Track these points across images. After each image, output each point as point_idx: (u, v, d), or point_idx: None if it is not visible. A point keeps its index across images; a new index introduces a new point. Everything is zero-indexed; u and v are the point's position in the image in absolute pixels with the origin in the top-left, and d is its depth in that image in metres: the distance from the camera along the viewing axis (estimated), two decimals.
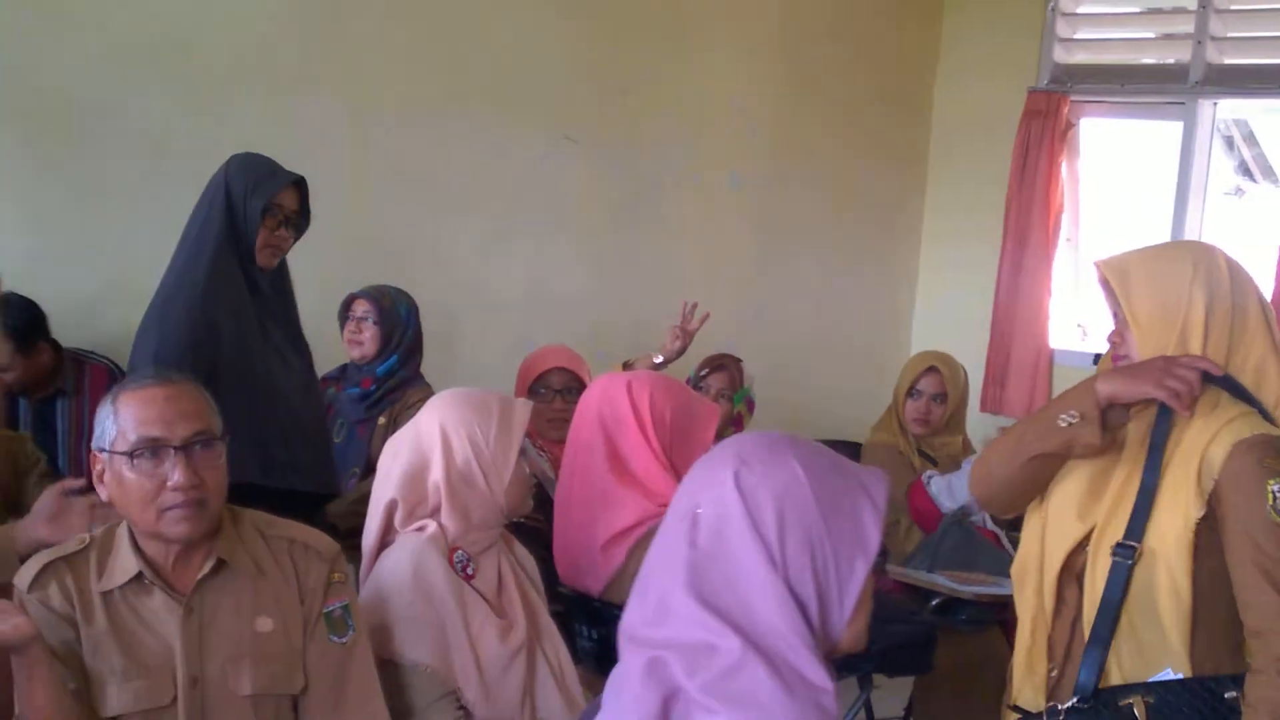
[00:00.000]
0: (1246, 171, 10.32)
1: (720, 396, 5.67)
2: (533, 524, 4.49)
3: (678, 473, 4.03)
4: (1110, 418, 3.09)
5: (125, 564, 2.99)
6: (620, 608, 2.14)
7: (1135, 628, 3.02)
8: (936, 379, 5.91)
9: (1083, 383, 3.12)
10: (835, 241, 7.66)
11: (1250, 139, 10.23)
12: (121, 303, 5.19)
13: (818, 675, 2.00)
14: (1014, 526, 4.72)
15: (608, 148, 6.70)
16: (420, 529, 3.53)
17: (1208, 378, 3.01)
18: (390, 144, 6.02)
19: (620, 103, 6.74)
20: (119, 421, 2.97)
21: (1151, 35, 7.65)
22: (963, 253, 7.84)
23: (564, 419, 5.11)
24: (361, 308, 5.32)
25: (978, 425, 6.73)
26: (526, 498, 3.69)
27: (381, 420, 5.19)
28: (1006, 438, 3.30)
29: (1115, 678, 3.04)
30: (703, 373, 5.80)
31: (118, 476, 2.97)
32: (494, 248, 6.41)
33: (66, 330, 5.15)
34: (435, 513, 3.55)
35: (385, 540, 3.59)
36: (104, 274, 5.34)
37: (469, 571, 3.53)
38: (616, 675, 2.11)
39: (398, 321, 5.31)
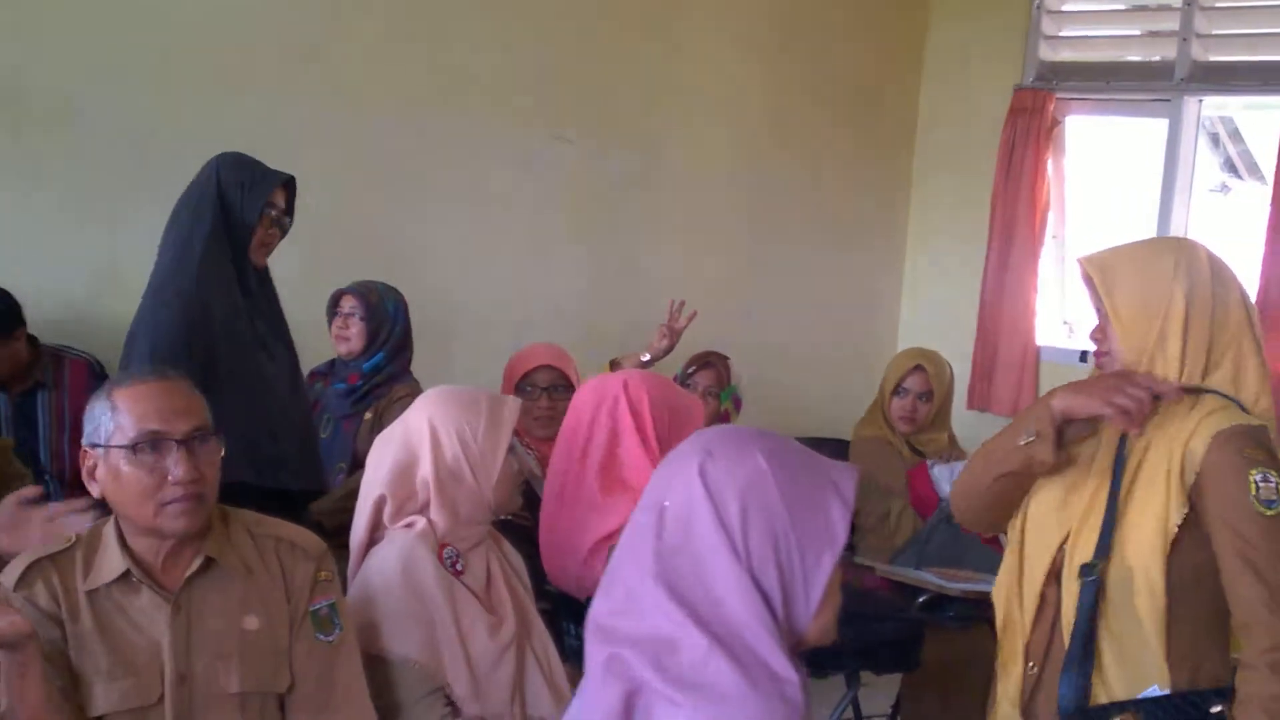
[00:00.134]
0: (1232, 168, 10.36)
1: (708, 394, 5.68)
2: (520, 522, 4.50)
3: None
4: (1067, 433, 3.11)
5: (112, 562, 2.99)
6: None
7: (1115, 634, 3.03)
8: (922, 377, 5.93)
9: (1041, 399, 3.14)
10: (822, 239, 7.66)
11: (1235, 136, 10.26)
12: (107, 300, 5.21)
13: (782, 666, 2.01)
14: None
15: (597, 146, 6.70)
16: (409, 525, 3.53)
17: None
18: (378, 141, 6.02)
19: (609, 101, 6.74)
20: (117, 416, 2.96)
21: (1137, 32, 7.66)
22: (949, 250, 7.84)
23: (551, 417, 5.13)
24: (349, 304, 5.32)
25: (964, 422, 6.73)
26: (515, 494, 3.71)
27: (368, 416, 5.18)
28: (978, 457, 3.32)
29: (1100, 691, 3.04)
30: (690, 370, 5.80)
31: (114, 472, 2.96)
32: (483, 246, 6.40)
33: (51, 327, 5.15)
34: (424, 509, 3.56)
35: (374, 537, 3.59)
36: (89, 272, 5.34)
37: (458, 568, 3.53)
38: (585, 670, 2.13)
39: (385, 318, 5.31)
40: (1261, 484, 2.92)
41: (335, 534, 3.77)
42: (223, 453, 3.06)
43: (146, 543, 3.01)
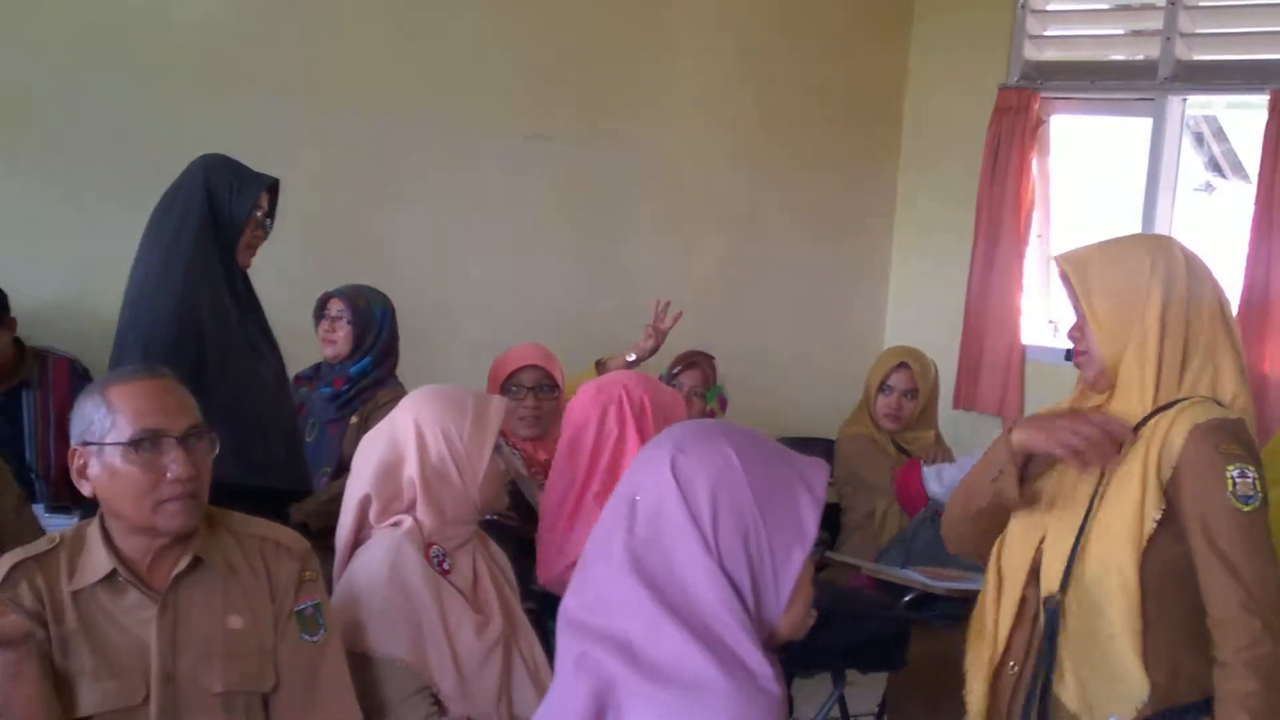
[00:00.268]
0: (1216, 167, 10.37)
1: (693, 394, 5.68)
2: (506, 522, 4.50)
3: None
4: (1030, 469, 3.13)
5: (97, 562, 2.98)
6: None
7: (1081, 654, 3.03)
8: (907, 375, 5.94)
9: (1003, 434, 3.16)
10: (808, 239, 7.66)
11: (1219, 135, 10.28)
12: (86, 302, 5.21)
13: (755, 659, 2.02)
14: None
15: (579, 147, 6.70)
16: (396, 524, 3.53)
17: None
18: (358, 142, 6.03)
19: (591, 101, 6.75)
20: (113, 413, 2.95)
21: (1121, 32, 7.68)
22: (934, 250, 7.85)
23: (536, 417, 5.13)
24: (336, 307, 5.32)
25: (950, 421, 6.75)
26: (501, 494, 3.71)
27: (353, 420, 5.18)
28: (959, 491, 3.34)
29: (1073, 697, 3.05)
30: (675, 370, 5.81)
31: (109, 469, 2.95)
32: (468, 246, 6.41)
33: (30, 329, 5.14)
34: (410, 508, 3.55)
35: (359, 537, 3.59)
36: (68, 273, 5.34)
37: (445, 567, 3.53)
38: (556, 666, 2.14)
39: (372, 322, 5.31)
40: (1239, 479, 2.92)
41: (320, 536, 3.78)
42: (216, 451, 3.06)
43: (135, 542, 3.00)
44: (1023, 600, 3.16)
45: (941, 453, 5.97)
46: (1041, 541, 3.14)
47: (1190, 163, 8.24)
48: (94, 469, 2.98)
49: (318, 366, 5.42)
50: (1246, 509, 2.91)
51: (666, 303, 5.84)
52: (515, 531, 4.57)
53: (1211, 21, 6.99)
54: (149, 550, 3.00)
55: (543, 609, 4.27)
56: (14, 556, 2.99)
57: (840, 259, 7.85)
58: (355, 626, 3.38)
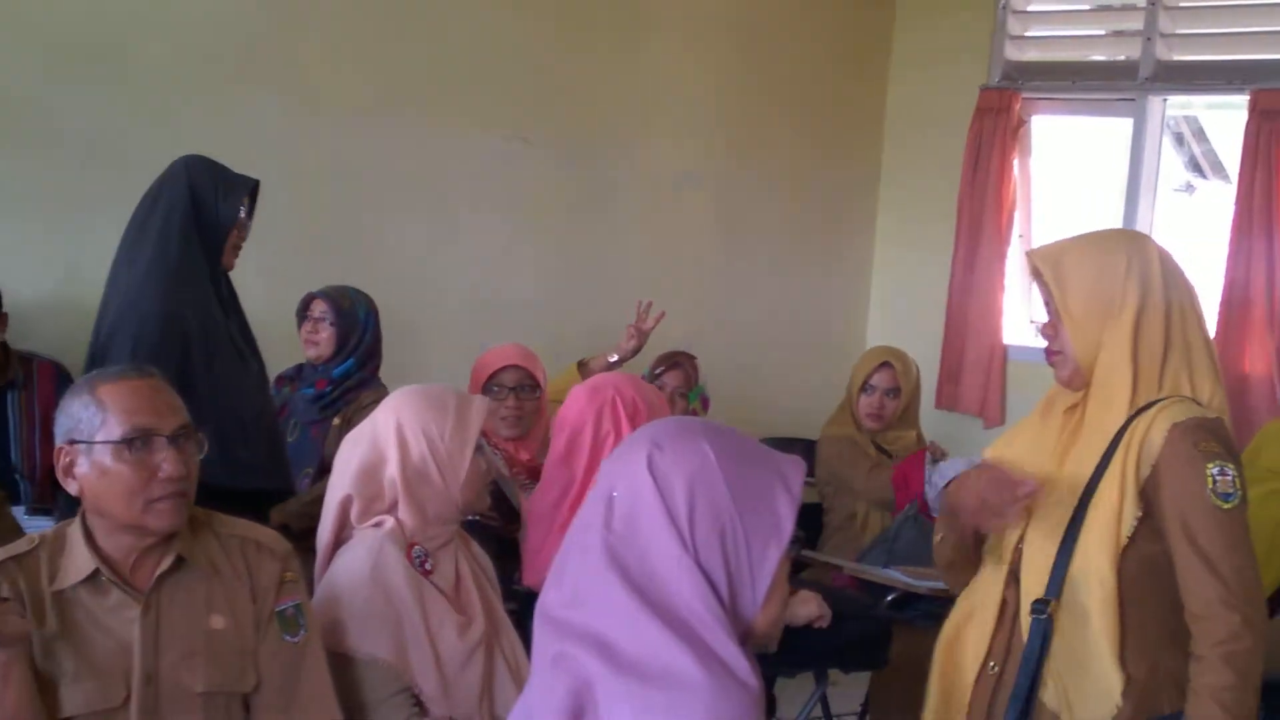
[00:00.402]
0: (1196, 168, 10.40)
1: (676, 394, 5.68)
2: (488, 522, 4.50)
3: None
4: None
5: (80, 562, 2.97)
6: None
7: (1067, 663, 3.04)
8: (890, 374, 5.96)
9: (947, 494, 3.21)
10: (789, 239, 7.68)
11: (1200, 135, 10.32)
12: (65, 306, 5.18)
13: (731, 653, 2.02)
14: None
15: (561, 146, 6.71)
16: (378, 524, 3.52)
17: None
18: (340, 144, 6.01)
19: (573, 101, 6.75)
20: (104, 412, 2.94)
21: (1101, 32, 7.71)
22: (916, 250, 7.86)
23: (518, 417, 5.12)
24: (319, 308, 5.31)
25: (932, 421, 6.76)
26: (483, 494, 3.70)
27: (336, 421, 5.17)
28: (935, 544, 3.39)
29: (1052, 696, 3.05)
30: (658, 371, 5.81)
31: (99, 468, 2.94)
32: (448, 248, 6.41)
33: (11, 332, 5.12)
34: (392, 509, 3.54)
35: (340, 537, 3.58)
36: (46, 278, 5.32)
37: (427, 567, 3.52)
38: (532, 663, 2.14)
39: (355, 323, 5.30)
40: (1219, 477, 2.93)
41: (301, 537, 3.77)
42: (204, 451, 3.06)
43: (118, 542, 2.99)
44: (1002, 602, 3.16)
45: (936, 451, 5.99)
46: (1019, 542, 3.14)
47: (1171, 163, 8.27)
48: (82, 467, 2.96)
49: (300, 367, 5.41)
50: (1226, 506, 2.92)
51: (649, 303, 5.84)
52: (497, 532, 4.56)
53: (1192, 22, 7.02)
54: (132, 550, 3.00)
55: (524, 609, 4.26)
56: None
57: (822, 259, 7.86)
58: (337, 627, 3.37)
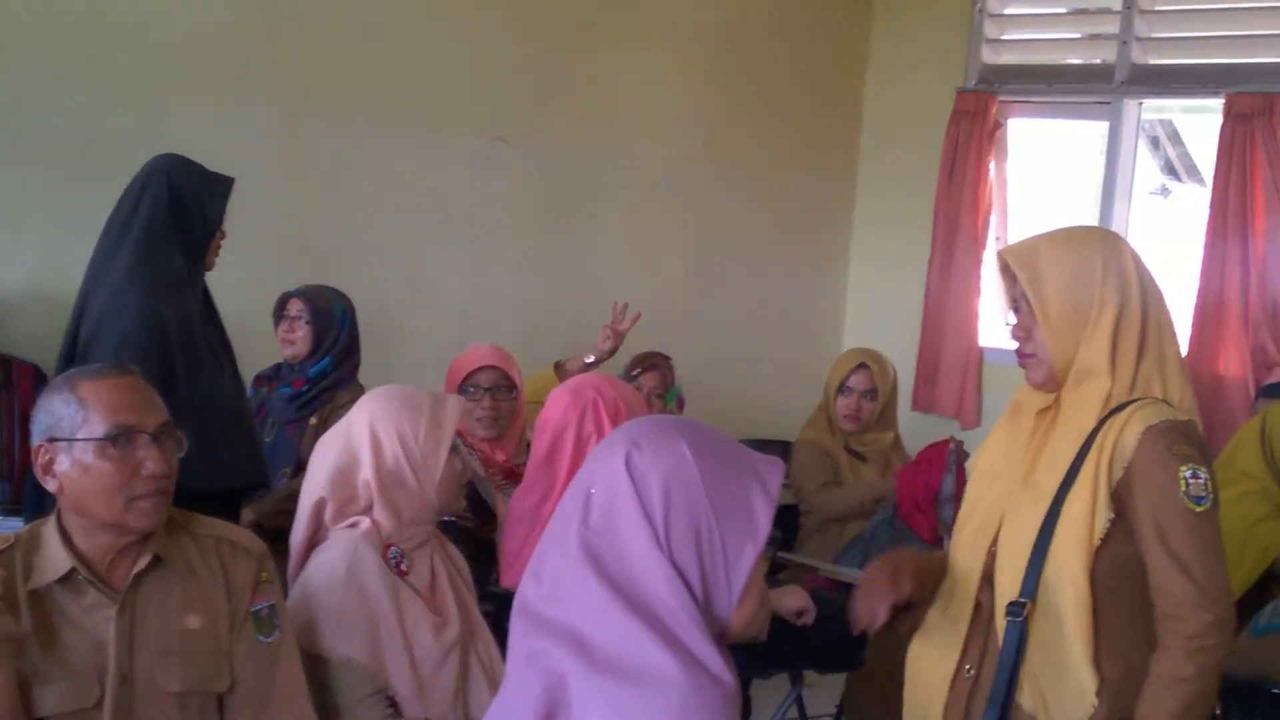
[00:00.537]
0: (1172, 171, 10.45)
1: (653, 395, 5.68)
2: (463, 523, 4.50)
3: None
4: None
5: (56, 561, 2.96)
6: None
7: (1051, 638, 3.04)
8: (867, 375, 5.96)
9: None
10: (767, 241, 7.69)
11: (1175, 138, 10.36)
12: (41, 305, 5.17)
13: (705, 650, 2.03)
14: None
15: (541, 149, 6.71)
16: (353, 525, 3.52)
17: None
18: (323, 144, 6.02)
19: (553, 104, 6.75)
20: (85, 409, 2.93)
21: (1077, 36, 7.74)
22: (893, 252, 7.88)
23: (494, 418, 5.12)
24: (295, 307, 5.30)
25: (909, 424, 6.77)
26: (459, 494, 3.70)
27: (312, 421, 5.16)
28: None
29: (1028, 698, 3.06)
30: (634, 372, 5.81)
31: (80, 466, 2.93)
32: (427, 249, 6.41)
33: None
34: (367, 510, 3.54)
35: (314, 539, 3.57)
36: (25, 276, 5.30)
37: (403, 568, 3.52)
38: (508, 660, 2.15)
39: (331, 322, 5.29)
40: (1191, 480, 2.93)
41: (274, 537, 3.77)
42: (184, 450, 3.06)
43: (96, 541, 2.98)
44: (976, 605, 3.17)
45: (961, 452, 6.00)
46: (993, 545, 3.15)
47: (1146, 166, 8.29)
48: (62, 465, 2.95)
49: (278, 367, 5.40)
50: (1199, 509, 2.93)
51: (624, 304, 5.84)
52: (472, 532, 4.56)
53: (1167, 26, 7.04)
54: (110, 549, 2.99)
55: (500, 611, 4.26)
56: None
57: (799, 262, 7.88)
58: (312, 628, 3.37)
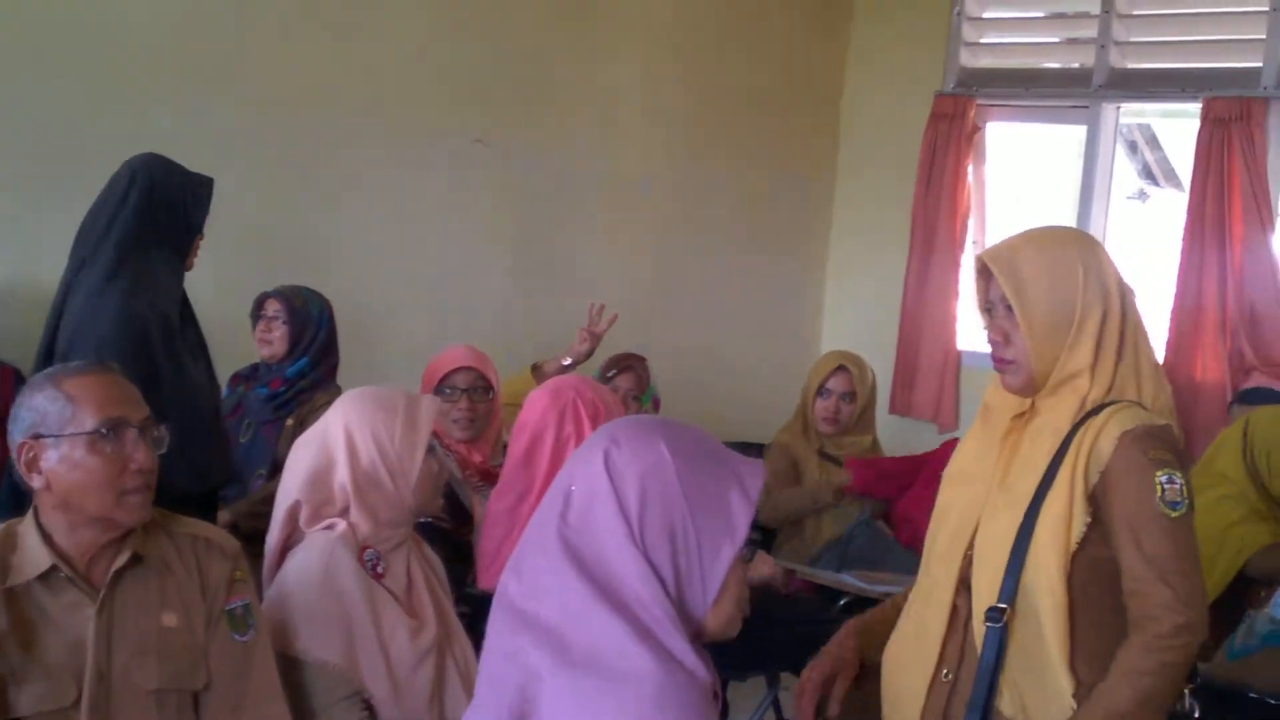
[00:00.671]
0: (1149, 175, 10.47)
1: (629, 397, 5.67)
2: (440, 525, 4.49)
3: None
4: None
5: (35, 559, 2.95)
6: None
7: (1030, 642, 3.04)
8: (845, 378, 5.96)
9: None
10: (745, 244, 7.69)
11: (1153, 143, 10.38)
12: (19, 305, 5.14)
13: (679, 647, 2.05)
14: None
15: (519, 151, 6.71)
16: (329, 527, 3.50)
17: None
18: (297, 144, 6.00)
19: (531, 107, 6.75)
20: (73, 404, 2.94)
21: (1056, 40, 7.76)
22: (871, 256, 7.89)
23: (470, 419, 5.10)
24: (273, 307, 5.29)
25: (887, 426, 6.78)
26: (436, 495, 3.68)
27: (289, 422, 5.15)
28: None
29: (1008, 703, 3.06)
30: (610, 374, 5.80)
31: (69, 461, 2.93)
32: (404, 250, 6.40)
33: None
34: (343, 512, 3.53)
35: (289, 541, 3.56)
36: (3, 275, 5.28)
37: (379, 570, 3.51)
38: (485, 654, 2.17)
39: (309, 322, 5.28)
40: (1167, 485, 2.93)
41: (249, 538, 3.75)
42: (165, 447, 3.06)
43: (79, 537, 2.97)
44: (952, 609, 3.16)
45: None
46: (969, 549, 3.14)
47: (1124, 170, 8.31)
48: (49, 461, 2.95)
49: (255, 366, 5.39)
50: (1175, 514, 2.93)
51: (601, 306, 5.84)
52: (449, 534, 4.55)
53: (1145, 30, 7.07)
54: (92, 546, 2.99)
55: (477, 612, 4.26)
56: None
57: (777, 264, 7.88)
58: (287, 630, 3.35)
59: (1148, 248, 8.17)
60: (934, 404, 7.47)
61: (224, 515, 4.65)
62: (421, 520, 3.87)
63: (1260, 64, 6.59)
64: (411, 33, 6.32)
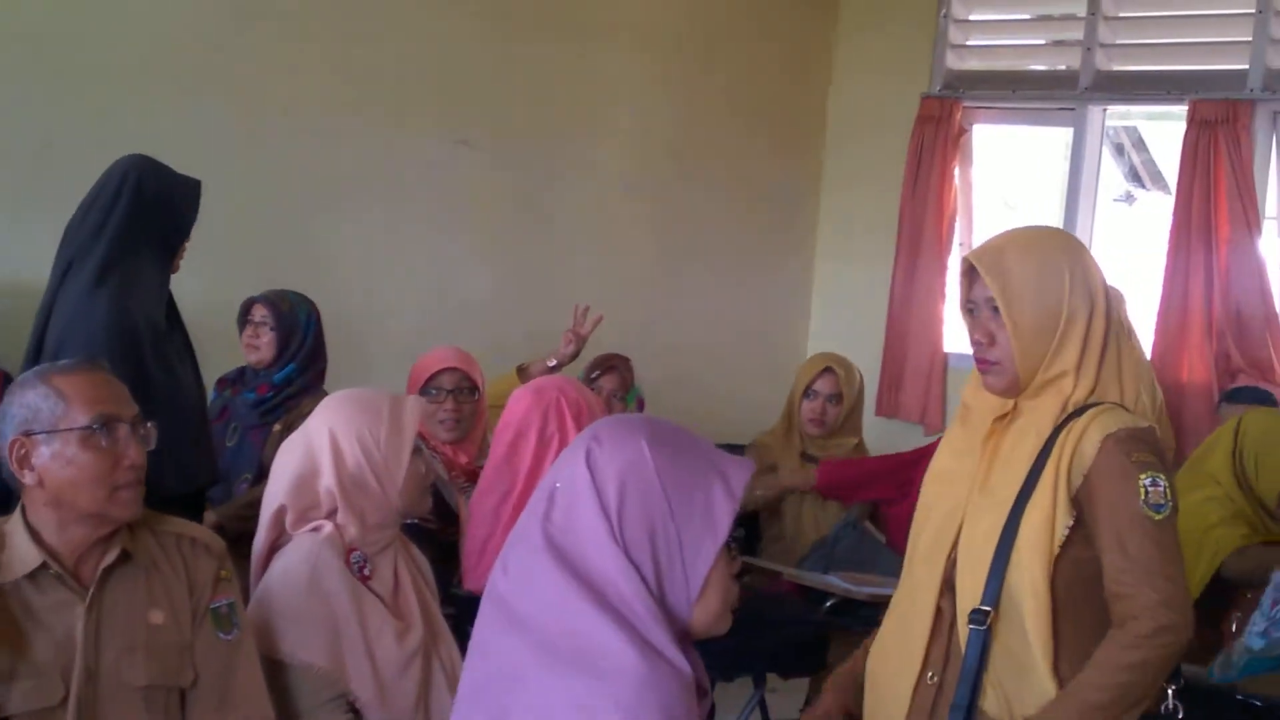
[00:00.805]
0: (1136, 178, 10.49)
1: (614, 398, 5.68)
2: (426, 526, 4.48)
3: None
4: None
5: (24, 557, 2.96)
6: None
7: (1015, 644, 3.04)
8: (832, 380, 5.95)
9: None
10: (731, 245, 7.69)
11: (1139, 145, 10.40)
12: (2, 305, 5.13)
13: (661, 641, 2.07)
14: None
15: (504, 152, 6.70)
16: (316, 529, 3.50)
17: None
18: (281, 147, 6.00)
19: (515, 106, 6.74)
20: (65, 401, 2.95)
21: (1042, 42, 7.77)
22: (857, 257, 7.89)
23: (456, 419, 5.11)
24: (260, 313, 5.27)
25: (873, 428, 6.77)
26: (423, 496, 3.68)
27: (276, 428, 5.13)
28: None
29: (992, 704, 3.06)
30: (594, 375, 5.80)
31: (62, 457, 2.94)
32: (389, 252, 6.39)
33: None
34: (330, 515, 3.52)
35: (276, 545, 3.55)
36: None
37: (366, 572, 3.50)
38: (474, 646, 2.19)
39: (296, 327, 5.26)
40: (1151, 488, 2.94)
41: (235, 541, 3.75)
42: (153, 444, 3.07)
43: (70, 535, 2.98)
44: (936, 611, 3.16)
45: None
46: (952, 551, 3.14)
47: (1111, 173, 8.32)
48: (41, 458, 2.95)
49: (241, 370, 5.37)
50: (1158, 517, 2.93)
51: (586, 307, 5.84)
52: (435, 535, 4.55)
53: (1131, 33, 7.08)
54: (82, 544, 2.99)
55: (463, 614, 4.26)
56: None
57: (763, 266, 7.88)
58: (272, 632, 3.35)
59: (1134, 250, 8.18)
60: (921, 406, 7.48)
61: (210, 517, 4.64)
62: (407, 521, 3.86)
63: (1246, 66, 6.60)
64: (398, 36, 6.31)
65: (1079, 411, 3.03)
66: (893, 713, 3.19)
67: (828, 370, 5.98)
